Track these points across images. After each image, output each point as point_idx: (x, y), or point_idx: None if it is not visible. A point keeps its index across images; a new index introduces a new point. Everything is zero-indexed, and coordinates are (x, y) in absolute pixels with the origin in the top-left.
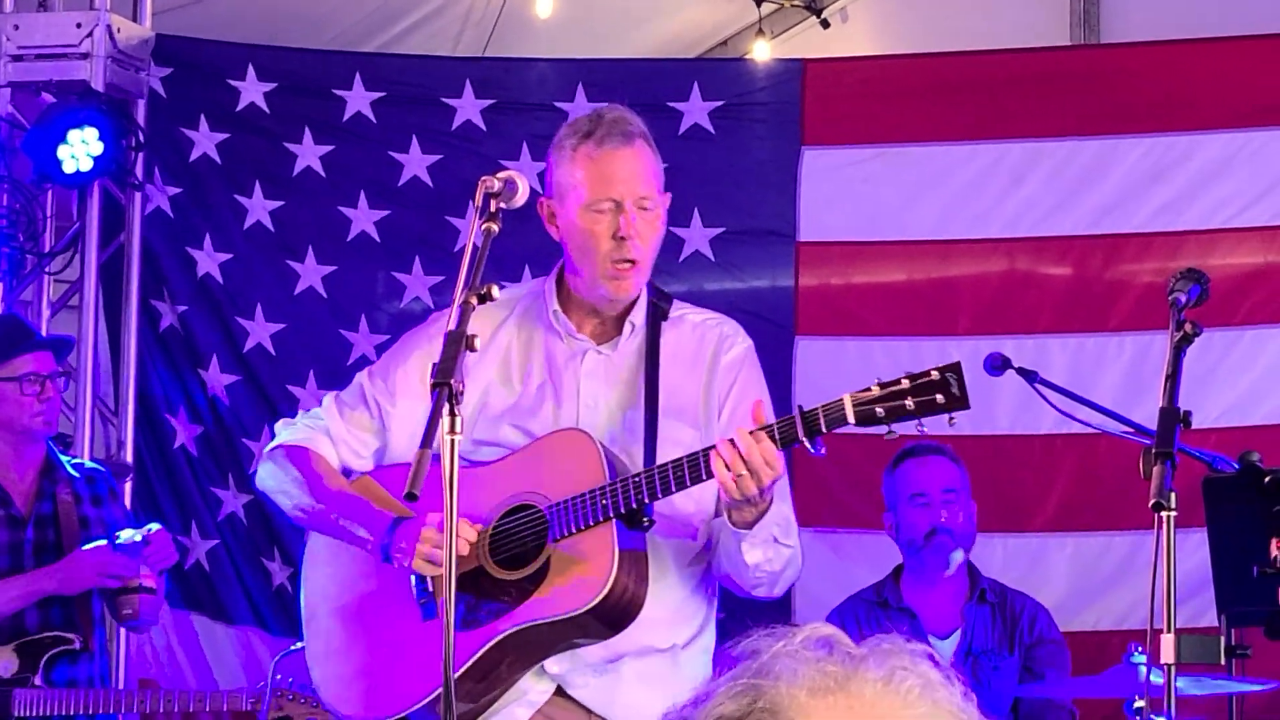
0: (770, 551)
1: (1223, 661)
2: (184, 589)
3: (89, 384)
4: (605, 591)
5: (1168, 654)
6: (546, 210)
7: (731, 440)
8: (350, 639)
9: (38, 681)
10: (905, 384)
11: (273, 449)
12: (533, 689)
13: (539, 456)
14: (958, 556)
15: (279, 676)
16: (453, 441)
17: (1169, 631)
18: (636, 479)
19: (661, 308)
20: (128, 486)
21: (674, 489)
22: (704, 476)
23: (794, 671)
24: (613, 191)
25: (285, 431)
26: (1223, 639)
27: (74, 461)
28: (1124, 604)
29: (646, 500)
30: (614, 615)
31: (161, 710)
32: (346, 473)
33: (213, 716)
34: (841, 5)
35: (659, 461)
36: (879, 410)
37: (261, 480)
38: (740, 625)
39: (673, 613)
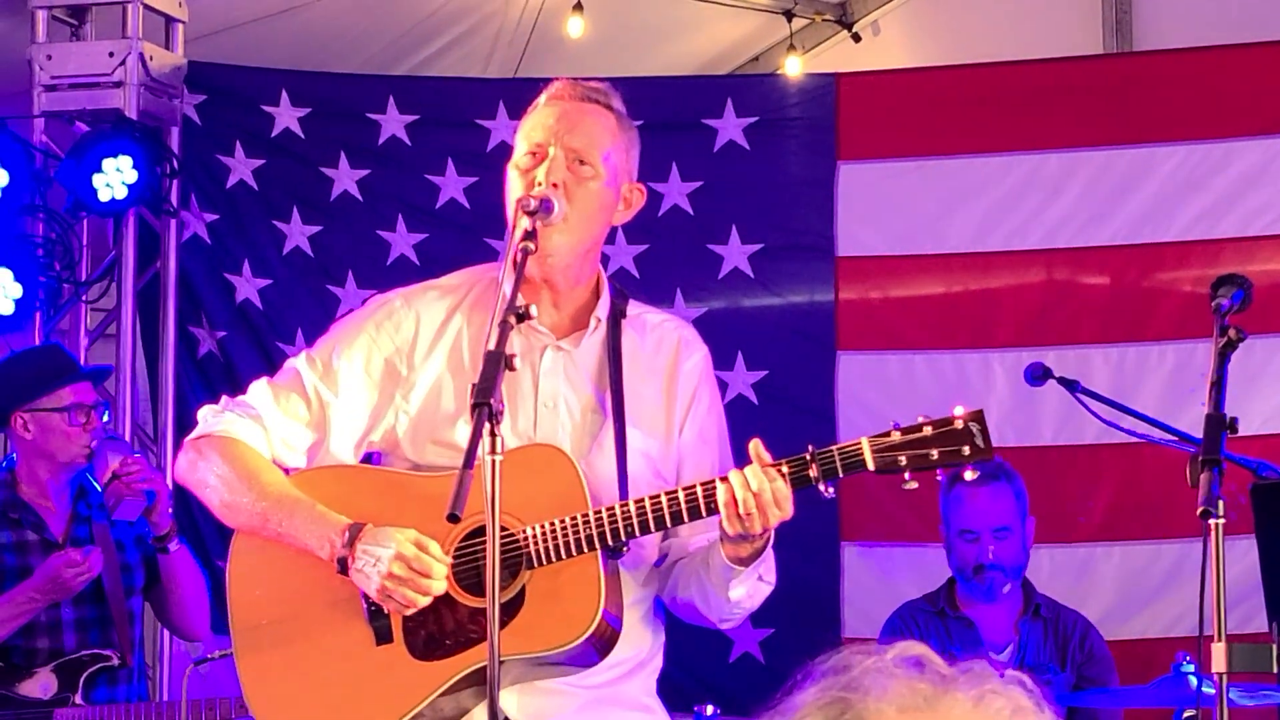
0: (753, 589)
1: (1275, 670)
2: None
3: (128, 411)
4: (593, 627)
5: (1219, 663)
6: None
7: (744, 477)
8: (295, 660)
9: (78, 700)
10: (928, 431)
11: (197, 438)
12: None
13: (509, 472)
14: (1006, 588)
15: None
16: (494, 463)
17: (1220, 640)
18: (627, 511)
19: (620, 307)
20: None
21: (669, 524)
22: (704, 513)
23: (884, 687)
24: (543, 138)
25: (213, 419)
26: (1275, 647)
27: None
28: (1172, 612)
29: (638, 535)
30: (598, 648)
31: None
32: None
33: None
34: (873, 19)
35: (630, 472)
36: (901, 459)
37: (182, 472)
38: (792, 641)
39: (635, 636)
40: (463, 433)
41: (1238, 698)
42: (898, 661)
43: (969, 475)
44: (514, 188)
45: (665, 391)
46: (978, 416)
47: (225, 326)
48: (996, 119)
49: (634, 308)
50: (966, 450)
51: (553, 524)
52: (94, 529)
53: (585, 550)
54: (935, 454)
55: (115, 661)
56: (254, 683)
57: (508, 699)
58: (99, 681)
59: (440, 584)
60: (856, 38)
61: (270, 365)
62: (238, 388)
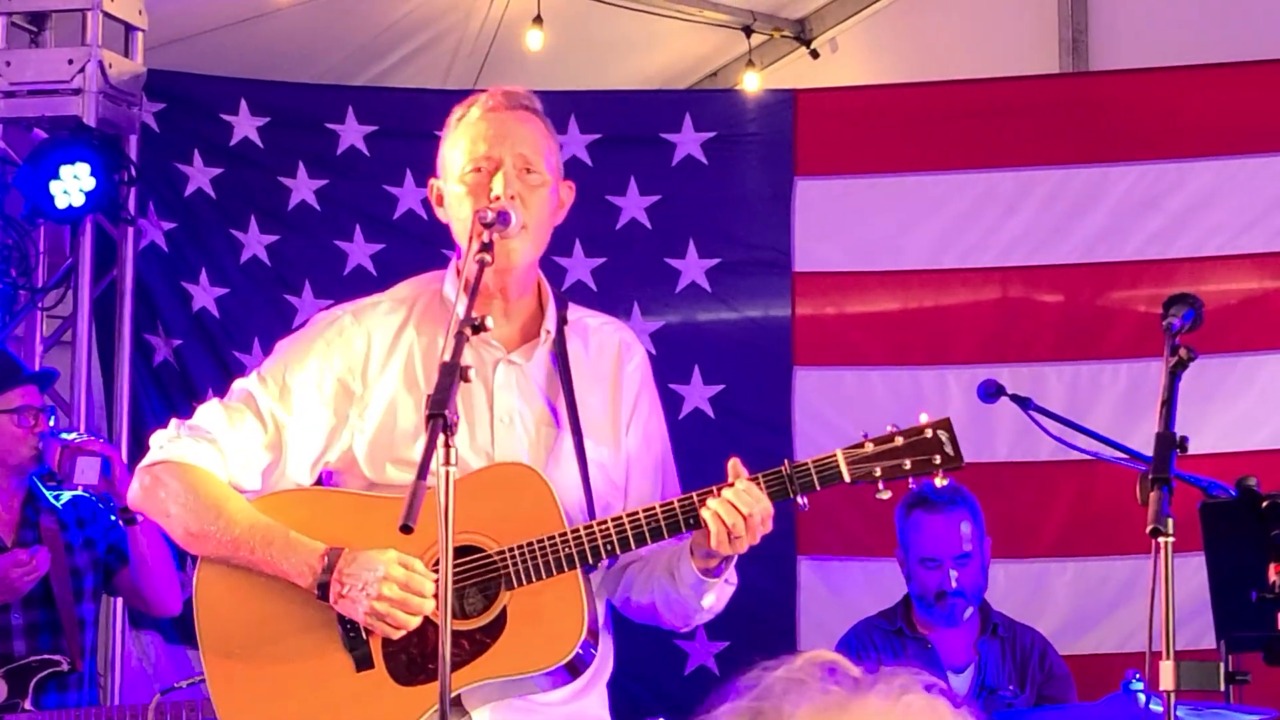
0: (721, 592)
1: (1222, 688)
2: (180, 625)
3: (83, 418)
4: (578, 647)
5: (1167, 681)
6: (435, 192)
7: (733, 502)
8: (273, 689)
9: (28, 706)
10: (900, 441)
11: (153, 464)
12: None
13: (479, 491)
14: (968, 613)
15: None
16: (447, 474)
17: (1168, 658)
18: (605, 529)
19: (562, 312)
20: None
21: (649, 541)
22: (683, 529)
23: (797, 695)
24: (490, 150)
25: (167, 444)
26: (1222, 665)
27: (56, 493)
28: (1125, 628)
29: (618, 553)
30: (579, 667)
31: None
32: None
33: None
34: (831, 36)
35: (592, 485)
36: (876, 470)
37: (139, 499)
38: (748, 654)
39: (601, 647)
40: (420, 449)
41: (1186, 715)
42: (808, 668)
43: (939, 482)
44: (463, 203)
45: (610, 398)
46: (945, 425)
47: (182, 335)
48: (953, 137)
49: (573, 312)
50: (938, 459)
51: (530, 544)
52: (42, 532)
53: (565, 569)
54: (908, 464)
55: (65, 667)
56: (232, 713)
57: (479, 717)
58: (49, 687)
59: (431, 602)
60: (815, 54)
61: (227, 374)
62: (193, 396)
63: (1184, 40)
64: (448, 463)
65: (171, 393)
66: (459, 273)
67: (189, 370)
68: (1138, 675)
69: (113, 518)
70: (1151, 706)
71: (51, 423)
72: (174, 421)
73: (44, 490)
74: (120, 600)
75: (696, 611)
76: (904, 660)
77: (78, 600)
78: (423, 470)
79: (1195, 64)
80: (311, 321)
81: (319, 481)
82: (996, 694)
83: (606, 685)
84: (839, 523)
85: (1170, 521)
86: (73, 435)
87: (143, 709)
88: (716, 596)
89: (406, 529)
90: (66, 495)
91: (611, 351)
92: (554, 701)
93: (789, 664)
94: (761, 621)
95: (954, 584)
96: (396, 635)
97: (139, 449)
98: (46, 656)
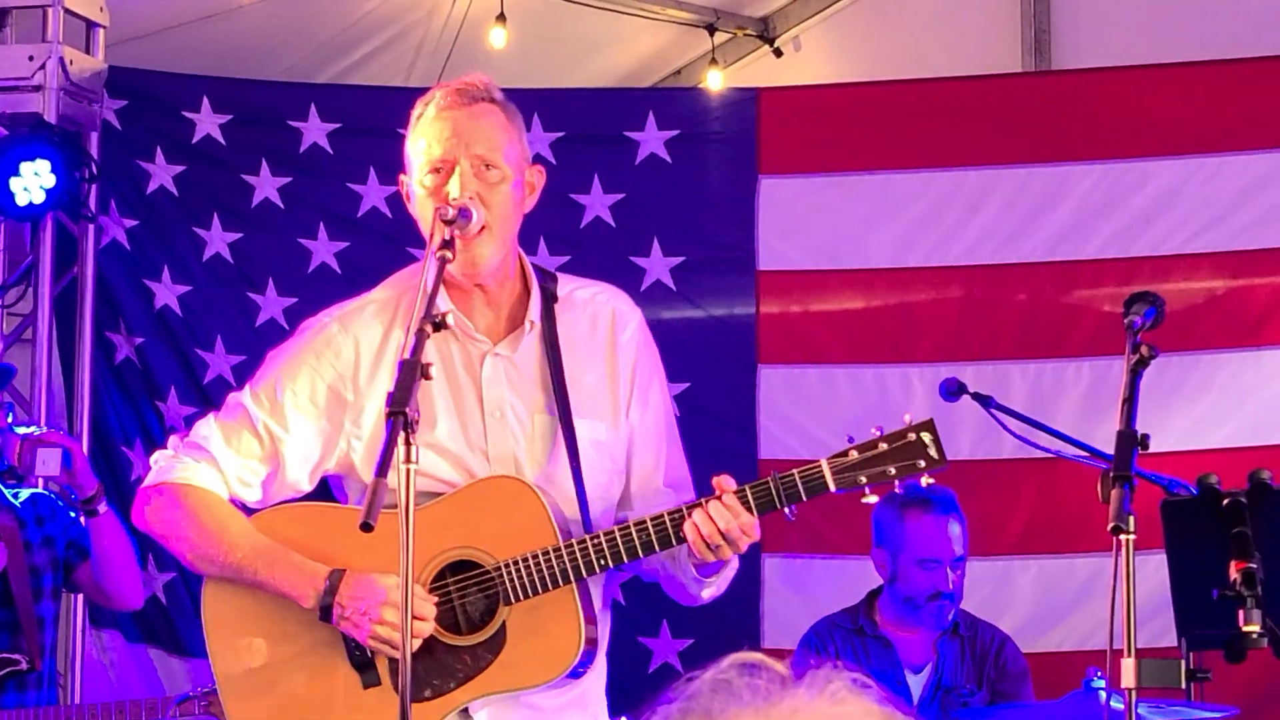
0: (723, 581)
1: (1183, 686)
2: (141, 623)
3: (43, 416)
4: (578, 658)
5: (1128, 678)
6: (405, 189)
7: (710, 515)
8: (285, 706)
9: None
10: (884, 447)
11: (156, 486)
12: None
13: (472, 506)
14: (951, 614)
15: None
16: (408, 471)
17: (1129, 655)
18: (598, 543)
19: (550, 290)
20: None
21: (640, 555)
22: (674, 541)
23: (725, 698)
24: (445, 152)
25: (166, 465)
26: (1183, 663)
27: (14, 491)
28: (1087, 625)
29: (611, 565)
30: (580, 672)
31: None
32: (240, 507)
33: None
34: (794, 34)
35: (584, 468)
36: (861, 477)
37: (144, 521)
38: (712, 652)
39: (599, 649)
40: (419, 452)
41: (1147, 713)
42: (734, 670)
43: (924, 482)
44: (425, 204)
45: (608, 371)
46: (929, 426)
47: (143, 332)
48: (916, 135)
49: (563, 286)
50: (922, 462)
51: (525, 558)
52: (0, 530)
53: (560, 584)
54: (893, 469)
55: (24, 666)
56: None
57: (478, 716)
58: (8, 687)
59: (429, 625)
60: (778, 53)
61: (189, 372)
62: (155, 394)
63: (1146, 40)
64: (409, 460)
65: (133, 390)
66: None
67: (151, 368)
68: (1099, 673)
69: (73, 513)
70: (1113, 704)
71: (9, 419)
72: (173, 439)
73: (2, 488)
74: (80, 599)
75: (698, 599)
76: (864, 659)
77: (36, 599)
78: (382, 468)
79: (1157, 63)
80: (299, 330)
81: (322, 485)
82: (953, 693)
83: (605, 654)
84: (804, 521)
85: (1132, 519)
86: (30, 429)
87: (102, 708)
88: (716, 588)
89: (366, 527)
90: (25, 493)
91: (606, 323)
92: (557, 692)
93: (715, 666)
94: (726, 619)
95: (950, 585)
96: (398, 654)
97: (100, 447)
98: (5, 655)
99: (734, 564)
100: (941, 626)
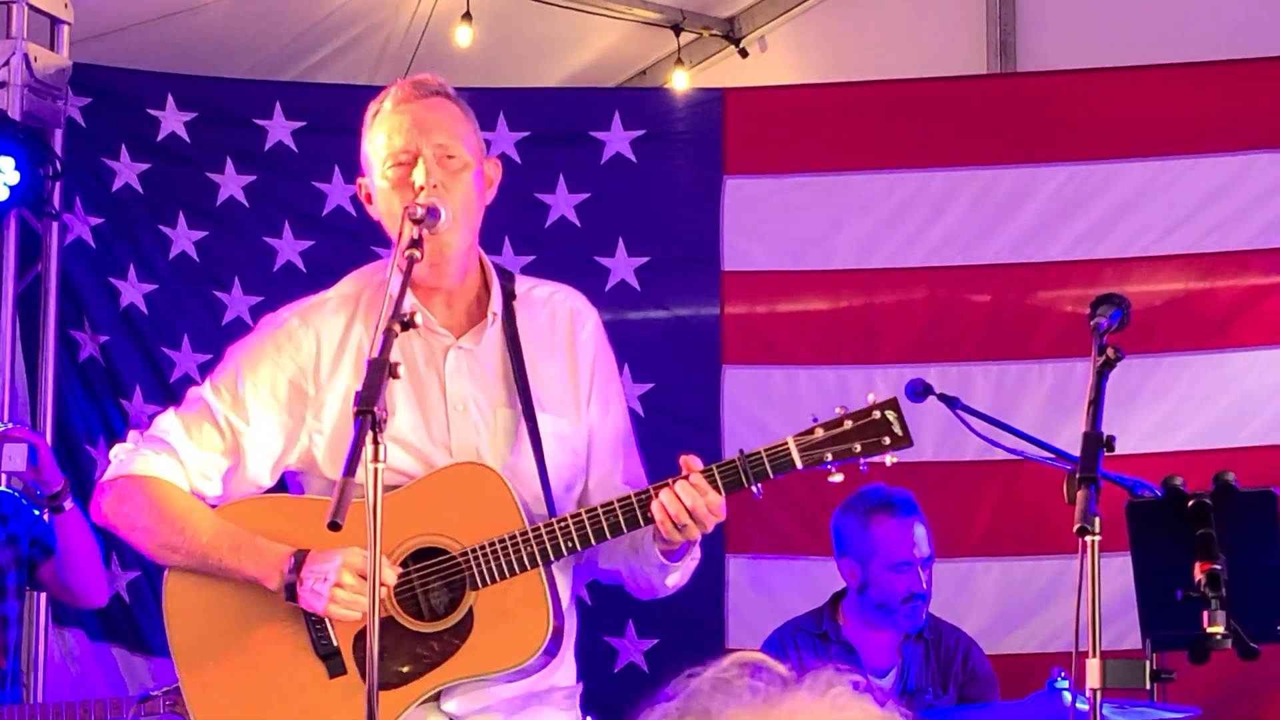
0: (686, 571)
1: (1147, 686)
2: (104, 622)
3: (6, 414)
4: (546, 642)
5: (1093, 679)
6: (364, 190)
7: (676, 493)
8: (249, 697)
9: None
10: (849, 425)
11: (116, 479)
12: None
13: (437, 493)
14: (924, 615)
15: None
16: (377, 471)
17: (1094, 656)
18: (565, 526)
19: (509, 288)
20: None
21: (608, 536)
22: (641, 523)
23: (725, 697)
24: (407, 142)
25: (127, 458)
26: (1147, 664)
27: None
28: (1050, 627)
29: (578, 549)
30: (549, 656)
31: None
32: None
33: None
34: (760, 34)
35: (547, 461)
36: (827, 454)
37: (104, 514)
38: (677, 652)
39: (566, 641)
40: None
41: (1111, 714)
42: (734, 669)
43: (889, 460)
44: (390, 198)
45: (568, 368)
46: (893, 404)
47: (108, 330)
48: (882, 137)
49: (521, 284)
50: (887, 440)
51: (492, 543)
52: None
53: (528, 567)
54: (858, 446)
55: None
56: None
57: (446, 703)
58: None
59: (391, 577)
60: (744, 53)
61: (155, 370)
62: (120, 393)
63: (1111, 43)
64: (376, 460)
65: (97, 389)
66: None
67: (116, 366)
68: (1063, 673)
69: (37, 511)
70: (1077, 705)
71: None
72: (132, 434)
73: None
74: (44, 598)
75: (662, 587)
76: (827, 665)
77: (0, 598)
78: (350, 467)
79: (1123, 66)
80: (259, 326)
81: (281, 482)
82: (918, 696)
83: (574, 652)
84: (768, 521)
85: (1097, 520)
86: None
87: (66, 707)
88: (680, 575)
89: (334, 526)
90: None
91: (564, 321)
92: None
93: (716, 665)
94: (690, 620)
95: (924, 586)
96: (356, 617)
97: (63, 445)
98: None
99: (696, 553)
100: (917, 626)
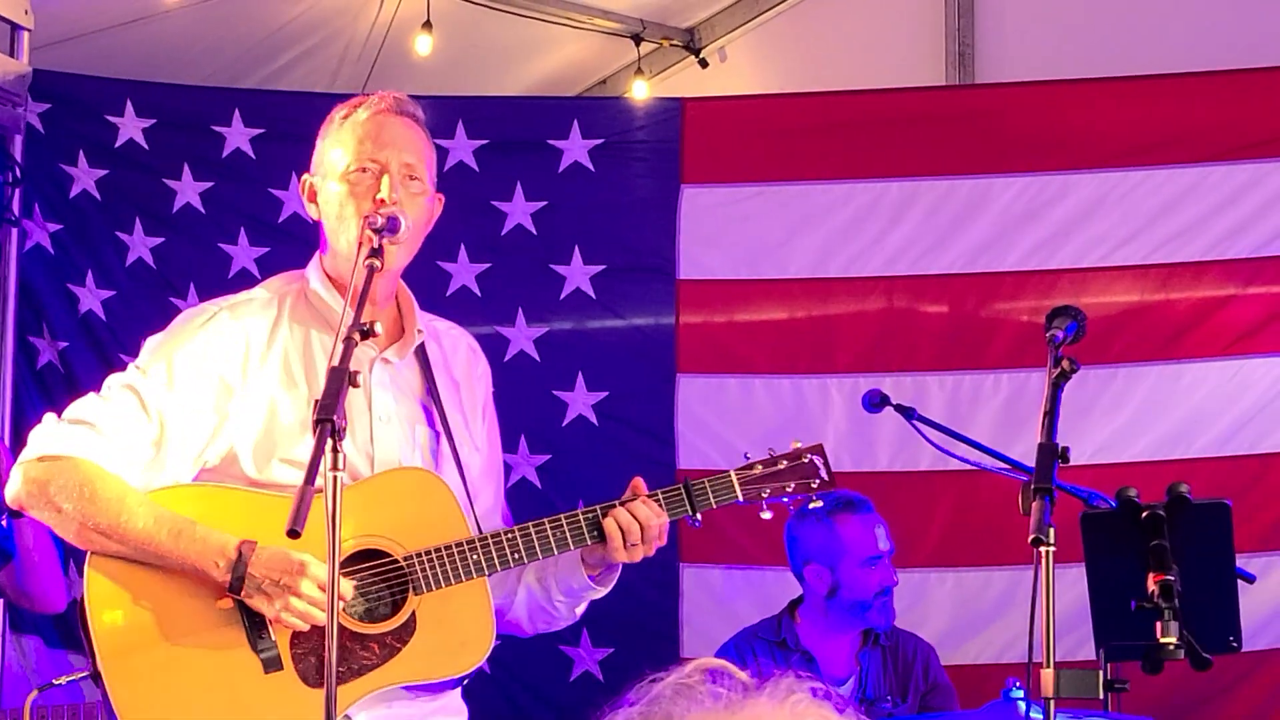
0: (602, 594)
1: (1100, 696)
2: (61, 628)
3: None
4: (488, 652)
5: (1047, 688)
6: (308, 188)
7: (631, 513)
8: (178, 690)
9: None
10: (784, 464)
11: (37, 459)
12: None
13: (381, 496)
14: (893, 609)
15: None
16: (336, 479)
17: (1048, 666)
18: (512, 538)
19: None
20: (5, 521)
21: (554, 551)
22: (586, 540)
23: (686, 702)
24: (378, 154)
25: (49, 438)
26: (1101, 673)
27: None
28: (1004, 638)
29: (525, 561)
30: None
31: None
32: None
33: None
34: (720, 45)
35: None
36: (765, 490)
37: (21, 497)
38: (632, 660)
39: None
40: (308, 447)
41: None
42: (696, 675)
43: (813, 506)
44: (345, 202)
45: (467, 400)
46: (819, 450)
47: (67, 337)
48: (839, 147)
49: (420, 316)
50: (815, 483)
51: (438, 549)
52: None
53: (474, 575)
54: (792, 485)
55: None
56: (135, 715)
57: (357, 715)
58: None
59: (350, 590)
60: (704, 64)
61: None
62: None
63: (1069, 55)
64: (335, 467)
65: (56, 396)
66: (324, 269)
67: (75, 373)
68: (1018, 683)
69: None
70: (1031, 714)
71: None
72: (49, 416)
73: None
74: (1, 604)
75: (569, 618)
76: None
77: None
78: (311, 475)
79: (1079, 78)
80: (183, 317)
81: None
82: (876, 704)
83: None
84: (721, 531)
85: (1052, 531)
86: None
87: (20, 711)
88: (587, 604)
89: (294, 534)
90: None
91: (464, 355)
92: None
93: (678, 671)
94: (645, 629)
95: (895, 577)
96: (305, 627)
97: (20, 453)
98: None
99: (614, 575)
100: (890, 621)
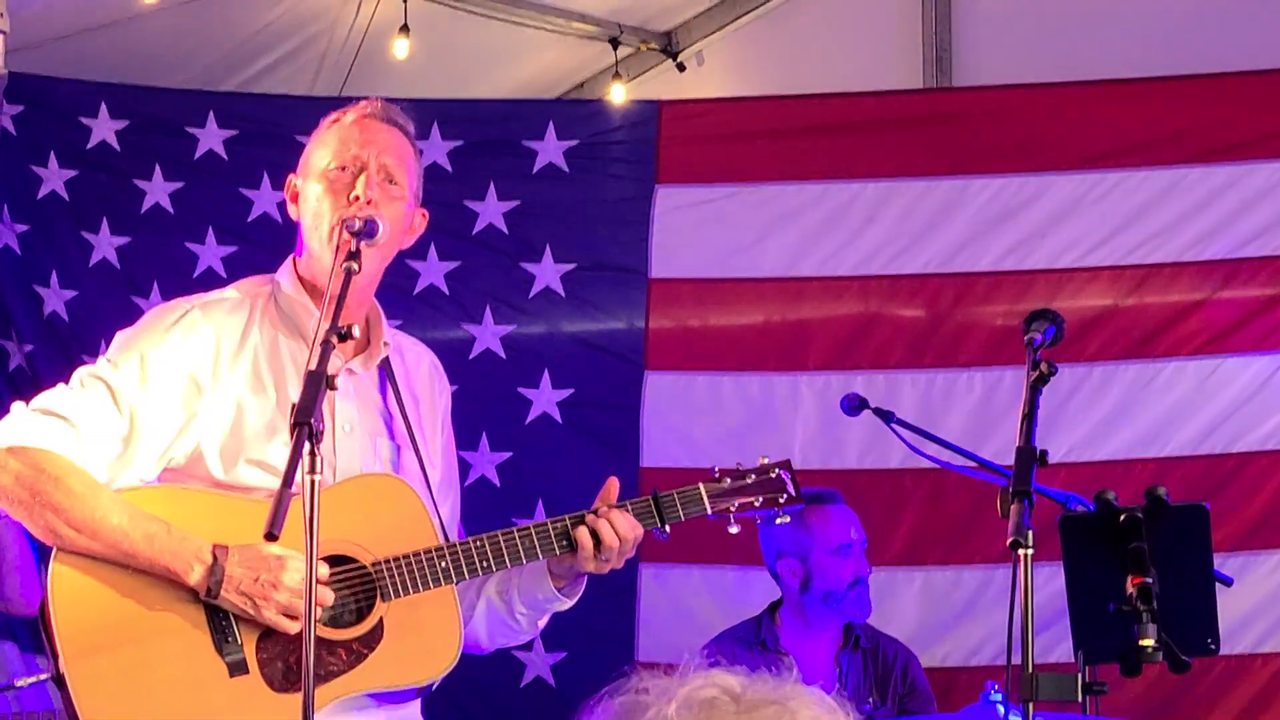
0: (569, 605)
1: (1080, 699)
2: (35, 633)
3: None
4: (456, 659)
5: (1026, 691)
6: (291, 189)
7: (610, 524)
8: (142, 693)
9: None
10: (751, 479)
11: (6, 449)
12: None
13: (350, 502)
14: (869, 602)
15: None
16: (313, 482)
17: (1028, 670)
18: (481, 546)
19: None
20: None
21: (523, 560)
22: (555, 550)
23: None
24: (359, 152)
25: (17, 428)
26: (1079, 676)
27: None
28: (974, 639)
29: (494, 569)
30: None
31: None
32: None
33: None
34: (697, 48)
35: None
36: (734, 504)
37: None
38: (585, 665)
39: None
40: (276, 450)
41: None
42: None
43: (780, 521)
44: (321, 200)
45: (426, 417)
46: (787, 465)
47: (33, 340)
48: (815, 148)
49: (387, 330)
50: (783, 498)
51: (407, 556)
52: None
53: (442, 583)
54: (759, 500)
55: None
56: (98, 718)
57: None
58: None
59: (330, 597)
60: (681, 67)
61: None
62: None
63: (1046, 58)
64: (313, 471)
65: (26, 399)
66: (298, 272)
67: (41, 376)
68: (996, 686)
69: None
70: (1010, 718)
71: None
72: (18, 405)
73: None
74: None
75: (531, 632)
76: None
77: None
78: (289, 479)
79: (1055, 81)
80: (155, 313)
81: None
82: (856, 706)
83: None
84: (679, 528)
85: (1030, 534)
86: None
87: None
88: (548, 618)
89: (271, 537)
90: None
91: (426, 371)
92: (392, 704)
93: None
94: (599, 632)
95: (868, 567)
96: (296, 629)
97: None
98: None
99: (581, 587)
100: (865, 614)
